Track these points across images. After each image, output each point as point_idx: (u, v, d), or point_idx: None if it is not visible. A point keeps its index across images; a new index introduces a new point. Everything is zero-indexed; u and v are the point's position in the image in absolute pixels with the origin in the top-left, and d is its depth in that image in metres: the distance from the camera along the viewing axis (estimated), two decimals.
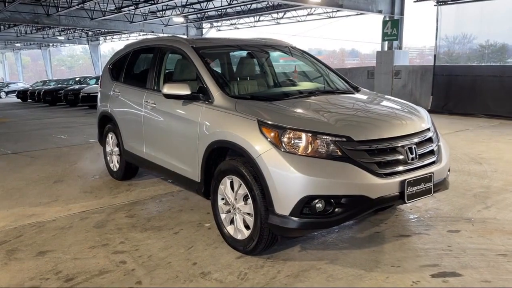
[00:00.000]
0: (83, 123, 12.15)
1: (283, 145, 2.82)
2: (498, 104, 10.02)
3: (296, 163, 2.74)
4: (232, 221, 3.29)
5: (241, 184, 3.09)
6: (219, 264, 3.05)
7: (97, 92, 16.02)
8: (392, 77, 12.85)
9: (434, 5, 11.80)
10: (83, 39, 36.60)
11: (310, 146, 2.80)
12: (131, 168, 5.21)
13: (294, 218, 2.76)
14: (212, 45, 4.24)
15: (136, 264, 3.09)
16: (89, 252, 3.32)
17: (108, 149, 5.45)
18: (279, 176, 2.76)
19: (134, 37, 33.59)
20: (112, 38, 36.51)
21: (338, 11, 17.41)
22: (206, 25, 25.80)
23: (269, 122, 2.92)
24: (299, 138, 2.82)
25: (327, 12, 19.24)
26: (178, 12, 19.81)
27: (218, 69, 4.18)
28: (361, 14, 16.09)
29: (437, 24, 11.03)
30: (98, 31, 31.43)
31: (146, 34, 26.49)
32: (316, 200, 2.73)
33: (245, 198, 3.10)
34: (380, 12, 13.12)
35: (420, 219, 3.81)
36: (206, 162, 3.46)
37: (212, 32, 26.56)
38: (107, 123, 5.37)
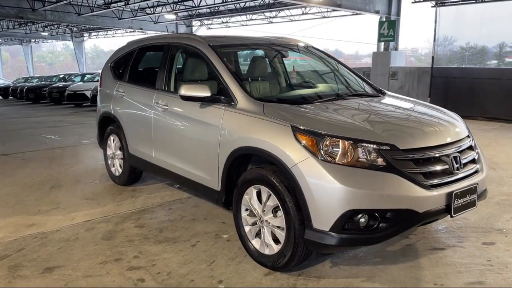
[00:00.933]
0: (71, 122, 11.72)
1: (322, 153, 2.58)
2: (497, 107, 9.98)
3: (338, 174, 2.51)
4: (257, 234, 3.05)
5: (270, 195, 2.85)
6: (247, 282, 2.81)
7: (84, 90, 15.68)
8: (389, 78, 12.76)
9: (432, 7, 11.71)
10: (67, 35, 35.78)
11: (351, 155, 2.57)
12: (135, 173, 4.91)
13: (335, 234, 2.53)
14: (230, 44, 3.98)
15: (155, 283, 2.82)
16: (101, 268, 3.03)
17: (109, 152, 5.14)
18: (319, 188, 2.53)
19: (120, 34, 32.96)
20: (98, 34, 35.75)
21: (334, 10, 17.26)
22: (195, 23, 25.41)
23: (305, 128, 2.69)
24: (339, 146, 2.59)
25: (321, 12, 19.09)
26: (170, 9, 19.38)
27: (237, 69, 3.92)
28: (356, 14, 15.99)
29: (435, 25, 10.95)
30: (84, 27, 30.76)
31: (134, 31, 25.98)
32: (360, 215, 2.50)
33: (275, 210, 2.86)
34: (377, 12, 13.01)
35: (450, 230, 3.62)
36: (228, 170, 3.21)
37: (202, 30, 26.17)
38: (108, 125, 5.06)
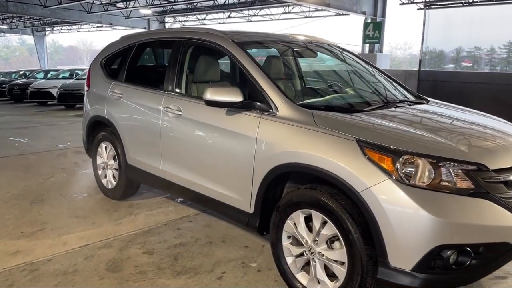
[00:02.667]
0: (39, 122, 10.79)
1: (400, 175, 2.13)
2: (487, 111, 9.90)
3: (424, 200, 2.06)
4: (303, 267, 2.57)
5: (326, 222, 2.38)
6: None
7: (50, 88, 14.63)
8: None
9: (418, 9, 11.59)
10: (28, 29, 33.93)
11: (433, 176, 2.13)
12: (133, 186, 4.30)
13: (418, 275, 2.08)
14: (256, 40, 3.46)
15: None
16: None
17: (99, 161, 4.50)
18: (400, 217, 2.08)
19: (86, 29, 31.55)
20: (61, 29, 34.09)
21: (316, 10, 16.95)
22: (168, 19, 24.51)
23: (377, 144, 2.23)
24: (418, 165, 2.15)
25: (303, 12, 18.72)
26: (143, 4, 18.45)
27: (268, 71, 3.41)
28: (339, 15, 15.76)
29: (423, 27, 10.82)
30: (47, 21, 29.18)
31: (102, 26, 24.83)
32: (450, 251, 2.07)
33: (331, 240, 2.39)
34: (364, 13, 12.79)
35: None
36: (266, 190, 2.71)
37: (176, 27, 25.25)
38: (100, 130, 4.43)
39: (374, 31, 12.43)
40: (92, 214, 4.03)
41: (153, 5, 18.48)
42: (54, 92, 15.14)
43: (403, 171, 2.15)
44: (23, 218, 3.92)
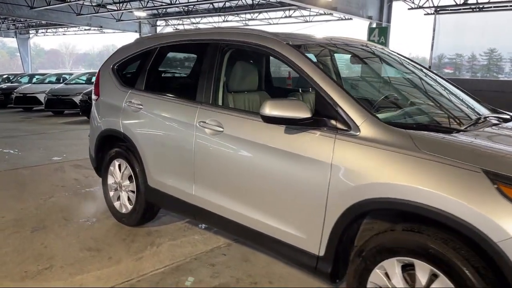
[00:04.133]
0: (28, 130, 10.06)
1: None
2: None
3: None
4: None
5: (437, 277, 1.86)
6: None
7: (36, 93, 13.93)
8: None
9: (425, 14, 11.25)
10: (11, 31, 32.83)
11: None
12: (152, 211, 3.73)
13: None
14: (313, 43, 2.93)
15: None
16: None
17: (111, 181, 3.91)
18: None
19: (73, 32, 30.66)
20: (46, 32, 33.10)
21: (317, 15, 16.54)
22: (160, 22, 23.83)
23: None
24: None
25: (303, 16, 18.27)
26: (137, 6, 17.75)
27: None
28: (341, 19, 15.38)
29: (433, 33, 10.46)
30: (31, 23, 28.22)
31: (90, 29, 24.02)
32: None
33: None
34: (370, 18, 12.41)
35: None
36: (344, 230, 2.19)
37: (168, 31, 24.58)
38: (113, 146, 3.85)
39: (379, 37, 12.04)
40: (106, 245, 3.44)
41: (147, 7, 17.81)
42: (41, 97, 14.39)
43: None
44: (25, 251, 3.31)
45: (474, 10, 10.39)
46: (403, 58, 3.33)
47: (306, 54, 2.61)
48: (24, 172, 5.80)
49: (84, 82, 15.87)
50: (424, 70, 3.26)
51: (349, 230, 2.23)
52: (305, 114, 2.27)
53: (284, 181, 2.42)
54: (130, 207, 3.74)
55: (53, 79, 17.69)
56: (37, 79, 18.39)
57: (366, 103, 2.51)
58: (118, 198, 3.87)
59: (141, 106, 3.49)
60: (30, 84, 16.96)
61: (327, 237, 2.25)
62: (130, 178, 3.70)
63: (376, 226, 2.27)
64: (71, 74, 19.45)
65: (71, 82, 15.87)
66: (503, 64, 28.05)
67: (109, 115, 3.82)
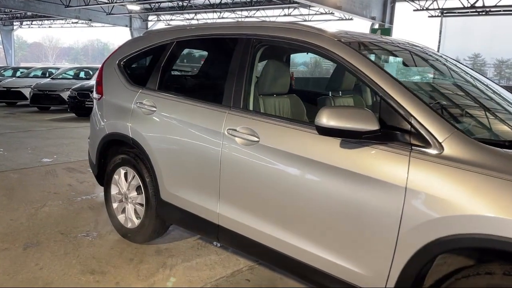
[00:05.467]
0: (13, 127, 9.48)
1: None
2: None
3: None
4: None
5: None
6: None
7: (21, 87, 13.29)
8: None
9: (429, 17, 10.99)
10: None
11: None
12: (163, 227, 3.30)
13: None
14: (369, 42, 2.54)
15: None
16: None
17: (114, 191, 3.47)
18: None
19: (59, 25, 29.78)
20: (31, 24, 32.11)
21: (316, 14, 16.18)
22: (152, 17, 23.19)
23: None
24: None
25: (302, 15, 17.88)
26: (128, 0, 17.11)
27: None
28: (340, 19, 15.03)
29: (440, 36, 10.19)
30: (15, 15, 27.30)
31: (78, 22, 23.27)
32: None
33: None
34: (373, 18, 12.10)
35: None
36: (421, 268, 1.80)
37: (160, 26, 23.95)
38: (119, 152, 3.41)
39: None
40: (111, 267, 3.00)
41: (140, 1, 17.19)
42: (26, 92, 13.75)
43: None
44: (17, 274, 2.84)
45: (480, 13, 10.19)
46: (459, 64, 2.96)
47: (370, 55, 2.22)
48: (12, 175, 5.29)
49: (71, 77, 15.29)
50: (484, 78, 2.90)
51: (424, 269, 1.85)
52: (372, 126, 1.88)
53: (340, 206, 2.02)
54: (137, 221, 3.30)
55: (39, 73, 16.99)
56: (21, 72, 17.65)
57: (447, 114, 2.13)
58: (123, 211, 3.43)
59: (154, 108, 3.05)
60: (14, 78, 16.23)
61: (397, 276, 1.86)
62: (138, 189, 3.27)
63: (450, 261, 1.89)
64: (57, 68, 18.74)
65: (58, 77, 15.25)
66: (486, 69, 28.70)
67: (114, 117, 3.37)
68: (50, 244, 3.33)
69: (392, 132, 1.92)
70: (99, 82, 3.67)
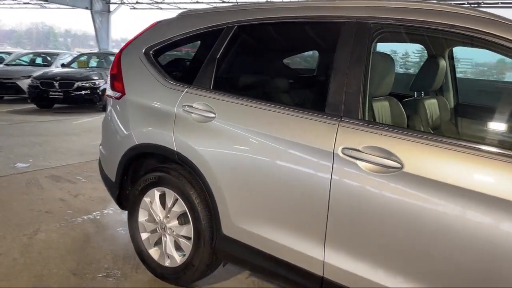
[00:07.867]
0: None
1: None
2: None
3: None
4: None
5: None
6: None
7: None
8: None
9: None
10: None
11: None
12: (216, 267, 2.56)
13: None
14: None
15: None
16: None
17: (143, 217, 2.69)
18: None
19: (8, 5, 27.21)
20: None
21: None
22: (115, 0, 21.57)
23: None
24: None
25: None
26: None
27: None
28: None
29: None
30: None
31: (29, 3, 21.26)
32: None
33: None
34: None
35: None
36: None
37: (124, 9, 22.38)
38: (152, 169, 2.62)
39: None
40: None
41: None
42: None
43: None
44: None
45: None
46: None
47: None
48: None
49: (27, 63, 13.77)
50: None
51: None
52: None
53: None
54: (179, 259, 2.55)
55: None
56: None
57: None
58: (156, 243, 2.66)
59: (212, 114, 2.30)
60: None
61: None
62: (181, 217, 2.51)
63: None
64: (8, 53, 16.95)
65: (12, 63, 13.71)
66: None
67: (147, 123, 2.58)
68: None
69: None
70: (117, 76, 2.85)
